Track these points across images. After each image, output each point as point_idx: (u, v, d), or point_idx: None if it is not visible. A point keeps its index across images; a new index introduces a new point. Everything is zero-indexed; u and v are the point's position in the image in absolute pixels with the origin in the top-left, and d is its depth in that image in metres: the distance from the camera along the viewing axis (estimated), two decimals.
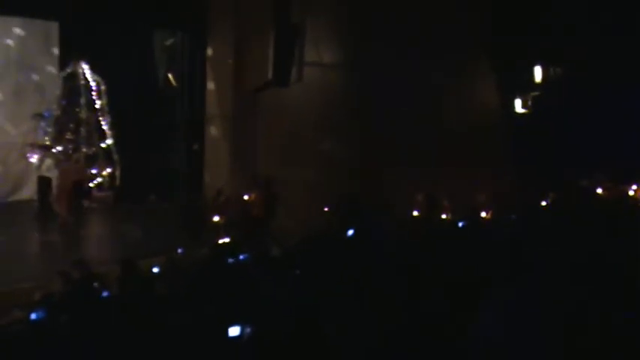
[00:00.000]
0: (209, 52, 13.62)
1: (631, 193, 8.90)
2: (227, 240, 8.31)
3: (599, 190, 9.30)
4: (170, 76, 14.69)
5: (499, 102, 11.86)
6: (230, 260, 6.27)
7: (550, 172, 10.48)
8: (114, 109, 14.11)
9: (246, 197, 11.21)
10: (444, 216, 8.98)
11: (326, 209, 10.04)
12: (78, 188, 12.50)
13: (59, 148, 13.44)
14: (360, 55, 12.03)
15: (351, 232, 7.19)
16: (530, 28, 10.77)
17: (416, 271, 5.34)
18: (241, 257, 6.42)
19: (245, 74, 12.83)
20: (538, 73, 10.98)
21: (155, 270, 7.35)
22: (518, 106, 11.30)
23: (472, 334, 3.77)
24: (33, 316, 5.37)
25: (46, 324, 5.30)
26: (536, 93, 11.11)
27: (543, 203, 9.08)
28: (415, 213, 9.37)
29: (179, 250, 8.19)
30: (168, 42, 14.72)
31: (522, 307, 3.74)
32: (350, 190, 11.50)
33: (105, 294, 6.08)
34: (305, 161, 12.36)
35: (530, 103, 11.25)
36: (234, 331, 3.72)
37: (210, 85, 13.55)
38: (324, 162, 12.24)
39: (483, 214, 8.71)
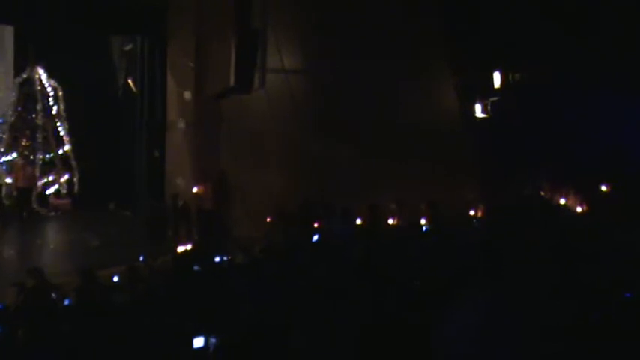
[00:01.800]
0: (169, 57, 13.41)
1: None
2: (189, 247, 8.16)
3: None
4: (130, 81, 14.42)
5: (459, 107, 11.97)
6: (194, 268, 6.14)
7: (506, 177, 10.63)
8: (72, 115, 13.79)
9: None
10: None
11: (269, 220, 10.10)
12: (26, 195, 12.20)
13: (14, 155, 13.07)
14: (321, 61, 12.01)
15: (315, 237, 7.14)
16: (489, 33, 10.89)
17: (376, 275, 5.32)
18: (205, 264, 6.29)
19: (206, 80, 12.67)
20: (497, 78, 11.09)
21: (115, 279, 7.18)
22: (479, 111, 11.39)
23: (437, 339, 3.75)
24: None
25: (1, 337, 5.10)
26: (495, 98, 11.21)
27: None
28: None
29: (140, 259, 8.01)
30: (128, 47, 14.45)
31: (486, 311, 3.73)
32: (312, 195, 11.50)
33: (65, 303, 5.90)
34: (267, 167, 12.27)
35: (489, 108, 11.35)
36: (198, 341, 3.62)
37: (171, 91, 13.34)
38: (287, 167, 12.18)
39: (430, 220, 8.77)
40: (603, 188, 8.96)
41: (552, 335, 3.43)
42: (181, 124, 12.97)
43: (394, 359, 4.00)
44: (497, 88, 11.18)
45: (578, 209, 7.75)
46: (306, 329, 4.24)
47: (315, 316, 4.34)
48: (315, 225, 9.17)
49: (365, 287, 5.30)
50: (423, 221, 8.56)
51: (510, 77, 11.10)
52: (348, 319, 4.37)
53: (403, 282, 5.53)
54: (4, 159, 13.03)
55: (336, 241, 7.89)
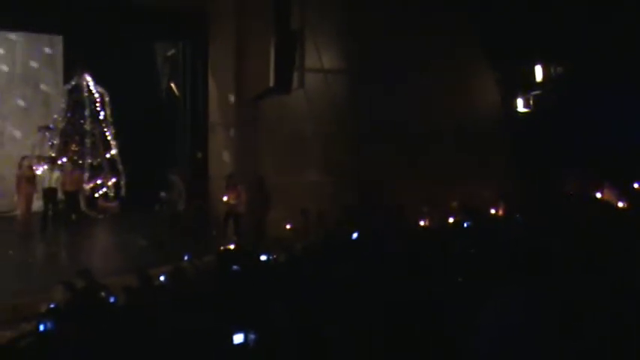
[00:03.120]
0: (210, 61, 13.63)
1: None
2: (231, 247, 8.28)
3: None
4: (173, 85, 14.71)
5: (500, 102, 11.82)
6: (234, 267, 6.24)
7: (548, 173, 10.46)
8: (118, 119, 14.14)
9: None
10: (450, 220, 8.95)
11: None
12: (75, 197, 12.54)
13: (64, 160, 13.48)
14: (359, 61, 12.02)
15: (355, 235, 7.15)
16: (530, 27, 10.73)
17: (421, 273, 5.30)
18: (246, 263, 6.38)
19: (247, 82, 12.81)
20: (539, 72, 10.93)
21: (162, 279, 7.33)
22: (520, 105, 11.25)
23: (474, 337, 3.72)
24: (41, 327, 5.34)
25: (54, 335, 5.27)
26: (538, 92, 11.06)
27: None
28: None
29: (185, 258, 8.16)
30: (170, 52, 14.75)
31: (523, 309, 3.67)
32: (353, 196, 11.52)
33: (112, 301, 6.05)
34: (307, 167, 12.33)
35: (531, 102, 11.20)
36: (238, 338, 3.69)
37: (213, 94, 13.54)
38: (327, 168, 12.21)
39: (489, 213, 8.66)
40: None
41: (591, 335, 3.37)
42: (223, 127, 13.14)
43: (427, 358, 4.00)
44: (539, 82, 11.03)
45: (620, 204, 7.56)
46: (342, 327, 4.28)
47: (350, 313, 4.37)
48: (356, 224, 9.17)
49: (403, 285, 5.30)
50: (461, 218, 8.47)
51: (552, 71, 10.94)
52: (383, 317, 4.39)
53: (445, 279, 5.51)
54: (57, 163, 13.43)
55: (376, 239, 7.88)
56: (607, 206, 7.50)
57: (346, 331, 4.21)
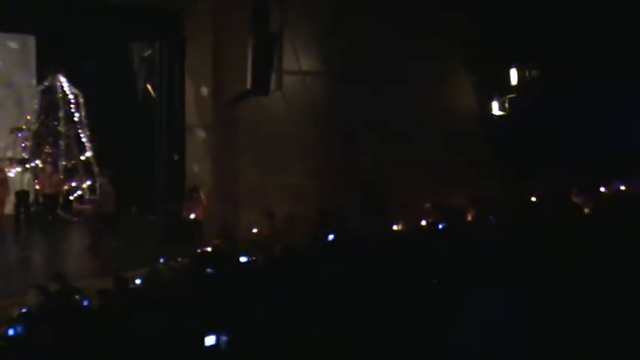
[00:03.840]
0: (187, 61, 13.55)
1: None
2: (207, 249, 8.25)
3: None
4: (149, 86, 14.60)
5: (476, 106, 11.94)
6: (209, 270, 6.22)
7: (524, 175, 10.60)
8: (93, 121, 13.99)
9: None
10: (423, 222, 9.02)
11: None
12: (52, 201, 12.39)
13: (37, 162, 13.31)
14: (338, 63, 12.06)
15: (331, 236, 7.17)
16: (506, 29, 10.85)
17: (397, 276, 5.33)
18: (221, 265, 6.36)
19: (224, 83, 12.77)
20: (514, 75, 11.06)
21: (138, 282, 7.28)
22: (496, 108, 11.37)
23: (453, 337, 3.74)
24: (11, 331, 5.27)
25: (25, 339, 5.20)
26: (512, 95, 11.18)
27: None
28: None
29: (161, 261, 8.11)
30: (147, 53, 14.64)
31: (504, 311, 3.71)
32: (333, 197, 11.55)
33: (85, 304, 6.00)
34: (286, 169, 12.33)
35: (507, 105, 11.32)
36: (210, 340, 3.68)
37: (190, 95, 13.47)
38: (306, 170, 12.23)
39: (466, 217, 8.75)
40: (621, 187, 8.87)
41: (571, 334, 3.41)
42: (200, 129, 13.09)
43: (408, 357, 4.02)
44: (515, 85, 11.15)
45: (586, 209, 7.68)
46: (322, 331, 4.29)
47: (330, 314, 4.38)
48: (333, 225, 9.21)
49: (381, 286, 5.33)
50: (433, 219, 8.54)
51: (527, 74, 11.06)
52: (363, 318, 4.40)
53: (421, 280, 5.55)
54: (29, 165, 13.27)
55: (354, 241, 7.91)
56: (573, 210, 7.60)
57: (325, 332, 4.22)
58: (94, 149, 13.98)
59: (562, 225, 6.49)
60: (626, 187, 8.73)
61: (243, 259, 7.36)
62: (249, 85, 11.60)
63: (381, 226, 9.33)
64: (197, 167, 13.17)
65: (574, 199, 8.00)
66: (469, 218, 8.67)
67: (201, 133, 13.13)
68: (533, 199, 9.28)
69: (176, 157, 13.64)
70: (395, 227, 8.81)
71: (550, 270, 4.76)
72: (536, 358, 3.39)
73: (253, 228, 10.61)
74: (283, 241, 8.41)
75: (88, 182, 13.98)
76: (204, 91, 12.70)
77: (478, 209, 8.84)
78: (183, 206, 11.66)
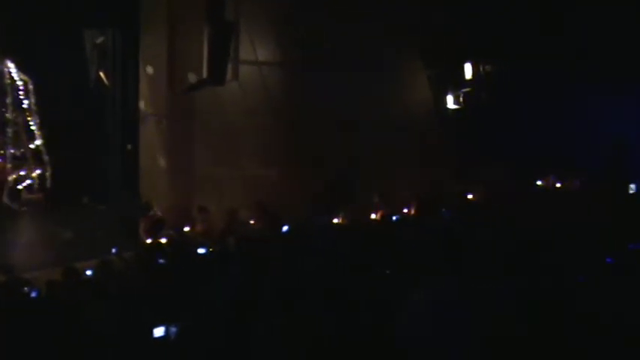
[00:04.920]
0: (142, 49, 13.37)
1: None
2: (157, 240, 8.24)
3: None
4: (102, 74, 14.35)
5: (431, 99, 12.17)
6: (160, 260, 6.23)
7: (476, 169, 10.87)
8: (43, 109, 13.68)
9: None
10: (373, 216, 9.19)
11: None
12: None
13: None
14: (294, 53, 12.12)
15: (285, 228, 7.26)
16: (461, 24, 11.08)
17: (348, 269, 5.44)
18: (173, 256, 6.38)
19: (179, 72, 12.67)
20: (468, 69, 11.31)
21: (88, 273, 7.24)
22: (450, 102, 11.62)
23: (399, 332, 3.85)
24: None
25: None
26: (467, 89, 11.44)
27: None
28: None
29: (112, 252, 8.08)
30: (99, 40, 14.36)
31: (449, 304, 3.84)
32: (289, 189, 11.63)
33: (34, 295, 5.95)
34: (243, 161, 12.35)
35: (461, 99, 11.58)
36: (159, 331, 3.71)
37: (144, 84, 13.31)
38: (262, 161, 12.27)
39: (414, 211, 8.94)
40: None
41: (504, 324, 3.57)
42: (154, 119, 12.97)
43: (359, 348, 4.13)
44: (469, 80, 11.41)
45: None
46: (272, 322, 4.36)
47: (280, 303, 4.46)
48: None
49: (334, 278, 5.43)
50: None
51: (481, 69, 11.33)
52: (313, 308, 4.50)
53: (375, 272, 5.67)
54: None
55: (308, 232, 8.01)
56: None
57: (276, 323, 4.30)
58: (44, 137, 13.67)
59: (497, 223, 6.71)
60: (562, 183, 9.08)
61: (201, 251, 7.40)
62: (205, 75, 11.54)
63: (336, 218, 9.46)
64: (151, 157, 13.06)
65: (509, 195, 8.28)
66: (412, 212, 8.88)
67: (155, 123, 13.01)
68: (472, 195, 9.57)
69: (129, 147, 13.46)
70: (349, 219, 8.94)
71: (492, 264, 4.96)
72: (477, 345, 3.55)
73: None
74: (216, 238, 8.42)
75: (38, 171, 13.68)
76: (149, 69, 12.55)
77: (419, 205, 9.06)
78: (140, 225, 11.40)
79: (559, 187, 9.26)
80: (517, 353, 3.51)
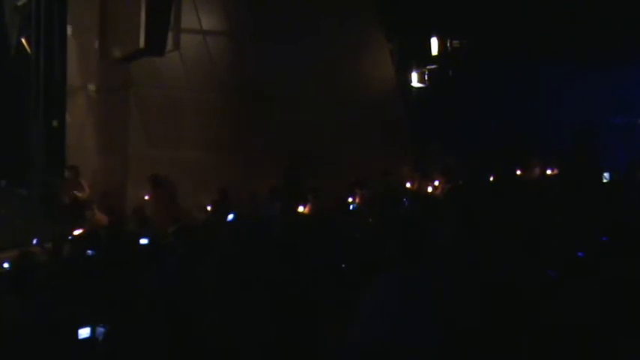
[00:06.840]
0: (70, 14, 13.03)
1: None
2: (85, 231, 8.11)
3: None
4: (24, 41, 13.96)
5: (394, 75, 12.23)
6: (89, 252, 6.13)
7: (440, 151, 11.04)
8: None
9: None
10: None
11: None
12: None
13: None
14: (243, 22, 12.01)
15: (231, 216, 7.23)
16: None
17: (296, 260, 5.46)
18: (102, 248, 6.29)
19: (113, 40, 12.42)
20: (434, 45, 11.40)
21: (6, 266, 7.09)
22: (415, 80, 11.72)
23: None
24: None
25: None
26: (433, 67, 11.55)
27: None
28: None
29: (34, 242, 7.92)
30: (21, 2, 13.97)
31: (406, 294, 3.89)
32: (234, 173, 11.57)
33: None
34: (183, 141, 12.23)
35: (426, 77, 11.69)
36: (84, 332, 3.65)
37: (72, 53, 13.00)
38: (206, 142, 12.16)
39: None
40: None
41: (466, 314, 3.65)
42: (84, 92, 12.71)
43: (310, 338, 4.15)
44: (435, 56, 11.52)
45: None
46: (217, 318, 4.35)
47: (227, 296, 4.46)
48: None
49: (283, 268, 5.45)
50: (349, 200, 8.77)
51: (449, 44, 11.44)
52: (262, 299, 4.50)
53: (328, 264, 5.70)
54: None
55: (256, 221, 8.01)
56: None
57: (215, 316, 4.29)
58: None
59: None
60: (521, 172, 9.34)
61: (143, 241, 7.33)
62: (142, 45, 11.31)
63: (287, 206, 9.47)
64: (79, 135, 12.80)
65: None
66: (357, 200, 9.00)
67: (85, 97, 12.75)
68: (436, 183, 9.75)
69: (55, 124, 13.15)
70: (301, 208, 8.97)
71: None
72: (428, 342, 3.62)
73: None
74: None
75: None
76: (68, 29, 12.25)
77: (363, 194, 9.17)
78: (62, 187, 11.22)
79: (520, 175, 9.55)
80: (480, 347, 3.60)
